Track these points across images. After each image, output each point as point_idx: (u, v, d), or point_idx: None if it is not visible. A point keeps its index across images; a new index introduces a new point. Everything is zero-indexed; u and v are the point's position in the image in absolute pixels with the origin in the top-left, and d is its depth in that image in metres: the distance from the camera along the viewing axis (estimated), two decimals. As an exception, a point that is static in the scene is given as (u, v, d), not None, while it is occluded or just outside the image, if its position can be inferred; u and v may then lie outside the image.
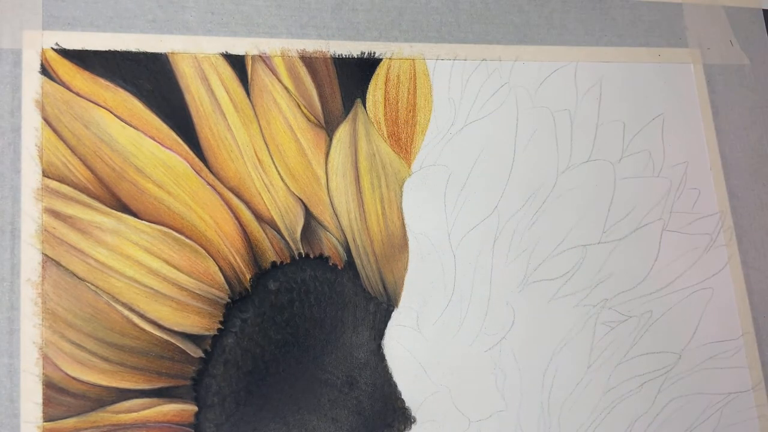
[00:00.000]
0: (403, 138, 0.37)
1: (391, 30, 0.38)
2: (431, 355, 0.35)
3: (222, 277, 0.33)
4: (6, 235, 0.31)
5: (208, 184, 0.34)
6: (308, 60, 0.36)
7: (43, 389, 0.30)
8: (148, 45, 0.34)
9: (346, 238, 0.35)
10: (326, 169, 0.35)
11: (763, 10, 0.45)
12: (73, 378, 0.31)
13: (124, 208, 0.32)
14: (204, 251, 0.33)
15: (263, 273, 0.34)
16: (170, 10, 0.34)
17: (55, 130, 0.32)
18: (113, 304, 0.32)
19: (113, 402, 0.31)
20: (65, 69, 0.33)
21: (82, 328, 0.31)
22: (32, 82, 0.32)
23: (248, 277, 0.34)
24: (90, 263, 0.32)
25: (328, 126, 0.36)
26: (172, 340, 0.32)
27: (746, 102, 0.43)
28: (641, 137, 0.40)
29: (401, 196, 0.36)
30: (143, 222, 0.32)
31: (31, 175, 0.31)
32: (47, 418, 0.30)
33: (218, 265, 0.33)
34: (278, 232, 0.34)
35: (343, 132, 0.36)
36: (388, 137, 0.37)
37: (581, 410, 0.37)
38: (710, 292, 0.40)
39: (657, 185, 0.40)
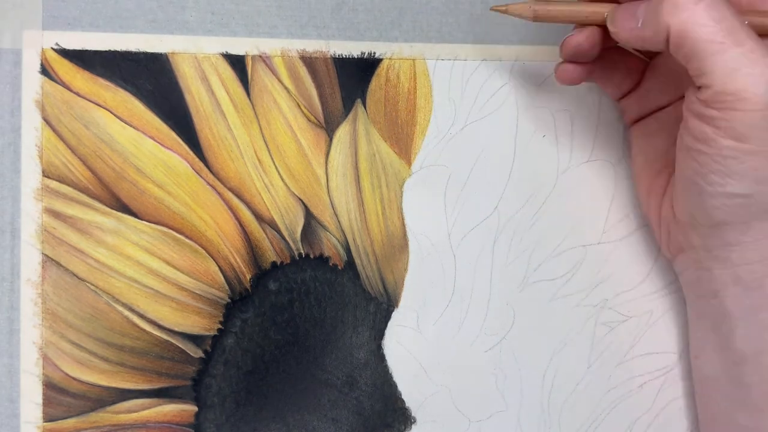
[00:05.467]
0: (403, 138, 0.37)
1: (392, 30, 0.38)
2: (431, 355, 0.35)
3: (222, 278, 0.33)
4: (6, 235, 0.31)
5: (208, 184, 0.34)
6: (308, 60, 0.36)
7: (43, 389, 0.30)
8: (148, 45, 0.34)
9: (346, 238, 0.35)
10: (326, 169, 0.35)
11: (764, 10, 0.45)
12: (73, 378, 0.31)
13: (124, 208, 0.32)
14: (204, 251, 0.33)
15: (263, 273, 0.34)
16: (170, 10, 0.34)
17: (55, 130, 0.32)
18: (113, 304, 0.32)
19: (113, 402, 0.31)
20: (65, 69, 0.33)
21: (82, 328, 0.31)
22: (32, 82, 0.32)
23: (248, 277, 0.34)
24: (90, 263, 0.32)
25: (329, 126, 0.36)
26: (172, 341, 0.32)
27: (746, 102, 0.43)
28: (641, 137, 0.40)
29: (401, 197, 0.36)
30: (143, 222, 0.32)
31: (31, 175, 0.31)
32: (47, 418, 0.30)
33: (218, 266, 0.33)
34: (278, 232, 0.34)
35: (343, 132, 0.36)
36: (388, 137, 0.37)
37: (581, 410, 0.37)
38: (710, 292, 0.40)
39: (657, 185, 0.40)
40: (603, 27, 0.33)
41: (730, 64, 0.28)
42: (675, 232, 0.35)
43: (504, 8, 0.34)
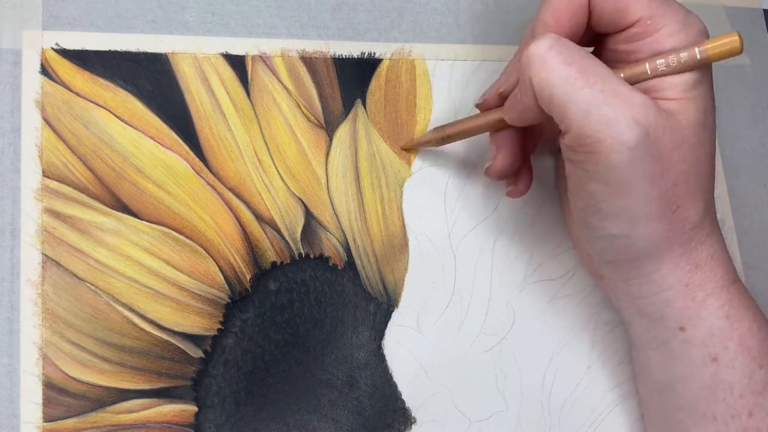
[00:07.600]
0: (403, 138, 0.37)
1: (391, 31, 0.38)
2: (431, 355, 0.35)
3: (222, 278, 0.33)
4: (6, 235, 0.31)
5: (208, 184, 0.34)
6: (308, 60, 0.36)
7: (43, 389, 0.30)
8: (148, 45, 0.34)
9: (346, 238, 0.35)
10: (326, 169, 0.35)
11: (764, 10, 0.45)
12: (73, 378, 0.31)
13: (124, 208, 0.32)
14: (204, 251, 0.33)
15: (263, 273, 0.34)
16: (170, 10, 0.34)
17: (55, 130, 0.32)
18: (113, 304, 0.32)
19: (113, 402, 0.31)
20: (65, 69, 0.33)
21: (82, 328, 0.31)
22: (32, 82, 0.32)
23: (248, 277, 0.34)
24: (90, 263, 0.32)
25: (329, 126, 0.36)
26: (172, 341, 0.32)
27: (746, 102, 0.43)
28: (641, 137, 0.40)
29: (401, 196, 0.36)
30: (143, 222, 0.32)
31: (31, 175, 0.31)
32: (47, 418, 0.30)
33: (218, 266, 0.33)
34: (278, 232, 0.34)
35: (343, 132, 0.36)
36: (388, 137, 0.37)
37: (582, 410, 0.37)
38: (710, 292, 0.40)
39: (657, 185, 0.40)
40: (507, 135, 0.33)
41: (582, 106, 0.27)
42: (588, 262, 0.35)
43: (410, 144, 0.36)
